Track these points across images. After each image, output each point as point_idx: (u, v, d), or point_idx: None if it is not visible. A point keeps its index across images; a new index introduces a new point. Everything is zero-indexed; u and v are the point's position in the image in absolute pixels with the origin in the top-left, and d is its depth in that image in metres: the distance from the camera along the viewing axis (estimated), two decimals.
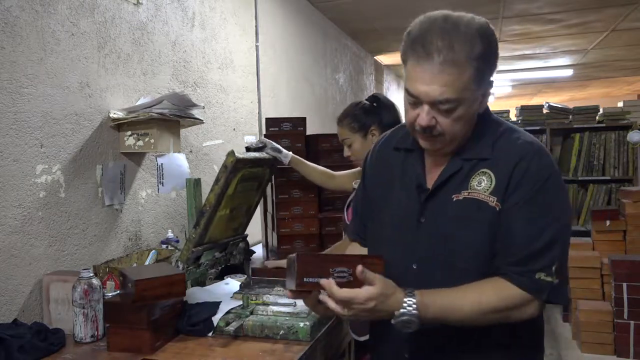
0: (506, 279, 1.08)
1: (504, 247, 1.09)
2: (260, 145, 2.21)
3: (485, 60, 1.06)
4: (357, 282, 1.04)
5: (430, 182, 1.18)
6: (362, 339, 1.99)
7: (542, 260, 1.07)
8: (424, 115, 1.09)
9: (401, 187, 1.22)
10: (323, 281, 1.03)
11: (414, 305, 1.04)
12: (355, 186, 2.10)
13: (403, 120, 2.09)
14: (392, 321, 1.05)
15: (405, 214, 1.19)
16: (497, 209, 1.09)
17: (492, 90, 1.17)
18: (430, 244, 1.14)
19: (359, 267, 1.03)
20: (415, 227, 1.17)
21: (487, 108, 1.19)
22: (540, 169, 1.10)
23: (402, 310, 1.04)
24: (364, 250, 1.34)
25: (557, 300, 1.10)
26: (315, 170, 2.30)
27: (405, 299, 1.04)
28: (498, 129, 1.17)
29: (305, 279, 1.04)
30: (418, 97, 1.08)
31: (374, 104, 2.09)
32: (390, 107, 2.10)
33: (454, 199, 1.13)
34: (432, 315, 1.05)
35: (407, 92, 1.10)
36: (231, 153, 1.78)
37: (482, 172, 1.13)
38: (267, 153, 2.18)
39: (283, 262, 1.59)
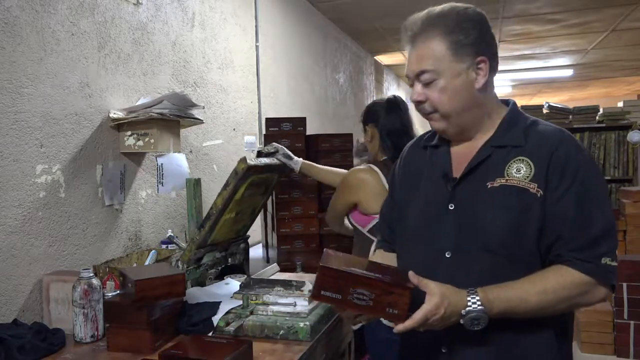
0: (569, 265, 1.07)
1: (561, 235, 1.08)
2: (272, 150, 2.18)
3: (462, 33, 1.12)
4: (376, 308, 1.01)
5: (458, 172, 1.19)
6: (356, 327, 1.95)
7: (605, 244, 1.07)
8: (414, 91, 1.19)
9: (428, 179, 1.24)
10: (408, 323, 1.03)
11: (479, 302, 1.04)
12: None
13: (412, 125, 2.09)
14: (461, 321, 1.05)
15: (433, 202, 1.20)
16: (539, 194, 1.09)
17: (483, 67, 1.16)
18: (464, 232, 1.13)
19: (412, 275, 1.04)
20: (444, 215, 1.16)
21: (514, 103, 1.24)
22: (577, 153, 1.11)
23: (468, 309, 1.04)
24: (387, 257, 1.32)
25: (615, 283, 1.09)
26: (329, 172, 2.24)
27: (468, 297, 1.05)
28: (527, 120, 1.20)
29: (322, 292, 1.02)
30: (408, 76, 1.19)
31: (392, 105, 2.01)
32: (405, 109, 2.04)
33: (489, 186, 1.13)
34: (497, 309, 1.05)
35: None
36: (243, 160, 1.76)
37: (520, 159, 1.13)
38: (278, 159, 2.15)
39: None
